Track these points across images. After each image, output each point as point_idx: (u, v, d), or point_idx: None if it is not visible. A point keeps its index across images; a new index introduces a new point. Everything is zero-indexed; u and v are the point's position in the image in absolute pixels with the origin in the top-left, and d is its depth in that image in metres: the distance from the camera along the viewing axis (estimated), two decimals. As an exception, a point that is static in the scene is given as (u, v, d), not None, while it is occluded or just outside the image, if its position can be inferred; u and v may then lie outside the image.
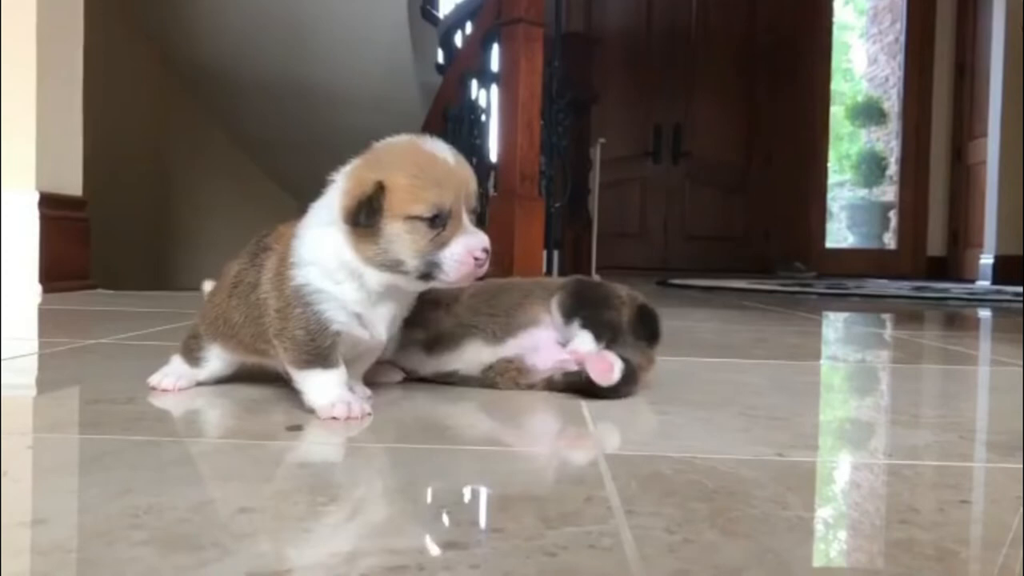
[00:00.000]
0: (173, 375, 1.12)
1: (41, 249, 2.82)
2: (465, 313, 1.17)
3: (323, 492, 0.69)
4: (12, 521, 0.59)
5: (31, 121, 2.83)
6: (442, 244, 0.94)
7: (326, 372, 0.98)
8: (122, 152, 4.53)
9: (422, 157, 0.95)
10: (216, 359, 1.12)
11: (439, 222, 0.94)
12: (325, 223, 0.97)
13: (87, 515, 0.62)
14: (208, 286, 1.20)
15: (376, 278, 0.97)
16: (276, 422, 0.95)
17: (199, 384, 1.13)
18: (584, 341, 1.11)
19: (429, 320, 1.16)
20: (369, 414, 0.98)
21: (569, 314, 1.14)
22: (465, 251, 0.94)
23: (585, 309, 1.14)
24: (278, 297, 0.98)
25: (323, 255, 0.97)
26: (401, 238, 0.94)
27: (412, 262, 0.94)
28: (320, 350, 0.97)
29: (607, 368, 1.07)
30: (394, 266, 0.95)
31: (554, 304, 1.16)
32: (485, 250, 0.95)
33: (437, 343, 1.17)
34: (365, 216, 0.92)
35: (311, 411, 0.98)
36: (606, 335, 1.12)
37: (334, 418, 0.96)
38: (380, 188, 0.92)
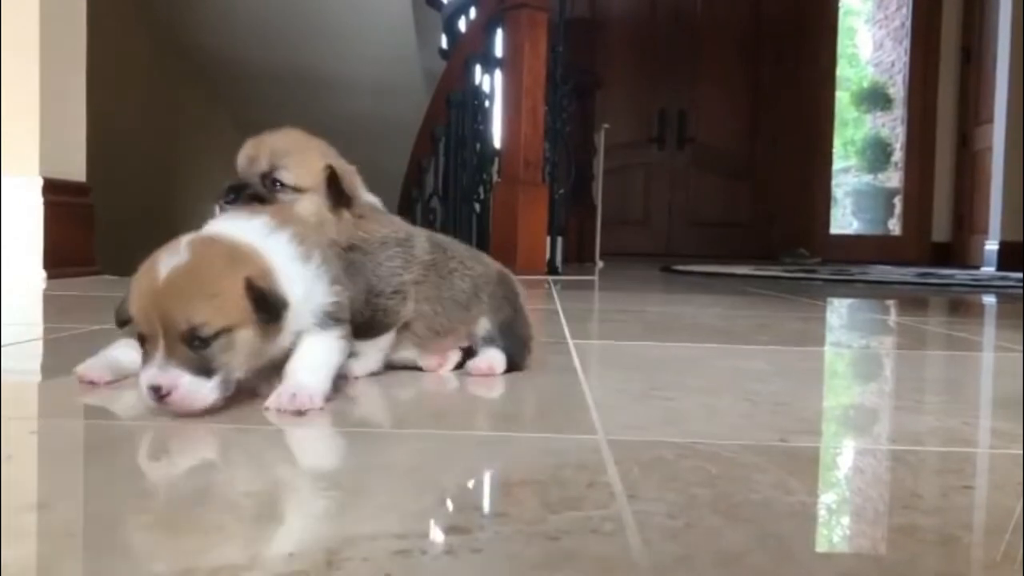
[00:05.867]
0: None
1: (45, 235, 2.83)
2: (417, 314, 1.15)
3: (326, 477, 0.69)
4: (16, 505, 0.59)
5: (34, 106, 2.83)
6: None
7: None
8: (126, 138, 4.52)
9: None
10: None
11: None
12: None
13: (91, 499, 0.62)
14: None
15: None
16: (279, 407, 0.95)
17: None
18: (497, 361, 1.17)
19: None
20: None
21: (492, 342, 1.19)
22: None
23: (509, 338, 1.19)
24: None
25: None
26: None
27: None
28: None
29: (492, 370, 1.16)
30: None
31: (482, 327, 1.20)
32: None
33: (371, 331, 1.12)
34: None
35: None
36: (520, 356, 1.20)
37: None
38: None
